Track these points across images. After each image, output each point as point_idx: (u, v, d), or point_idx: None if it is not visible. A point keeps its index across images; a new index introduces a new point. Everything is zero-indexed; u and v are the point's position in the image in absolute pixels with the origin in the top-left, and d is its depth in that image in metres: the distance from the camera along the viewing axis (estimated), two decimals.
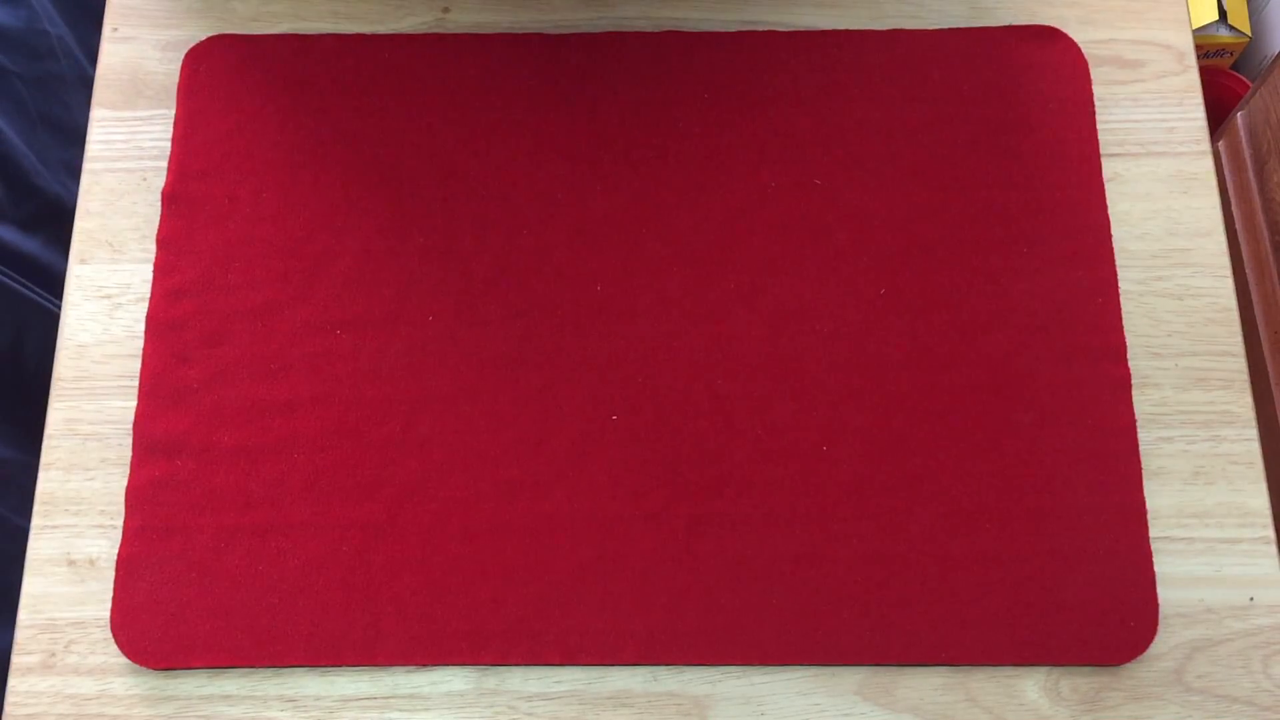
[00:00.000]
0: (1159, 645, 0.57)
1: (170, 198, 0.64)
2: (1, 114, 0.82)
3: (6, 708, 0.57)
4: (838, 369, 0.60)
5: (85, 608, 0.59)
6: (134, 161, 0.66)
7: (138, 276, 0.63)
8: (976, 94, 0.65)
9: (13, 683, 0.58)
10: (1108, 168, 0.64)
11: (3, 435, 0.79)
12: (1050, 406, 0.60)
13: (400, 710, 0.57)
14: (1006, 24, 0.67)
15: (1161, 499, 0.59)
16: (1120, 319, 0.61)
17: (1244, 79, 1.19)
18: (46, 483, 0.60)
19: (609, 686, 0.57)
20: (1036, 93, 0.65)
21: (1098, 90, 0.66)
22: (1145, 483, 0.59)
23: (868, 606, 0.57)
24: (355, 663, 0.57)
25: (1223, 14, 1.18)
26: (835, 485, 0.59)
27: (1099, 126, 0.65)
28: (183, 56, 0.67)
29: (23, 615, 0.59)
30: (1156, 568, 0.58)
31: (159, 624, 0.57)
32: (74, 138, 0.87)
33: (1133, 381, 0.60)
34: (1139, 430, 0.60)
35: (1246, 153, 0.98)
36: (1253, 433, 0.60)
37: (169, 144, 0.65)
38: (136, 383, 0.61)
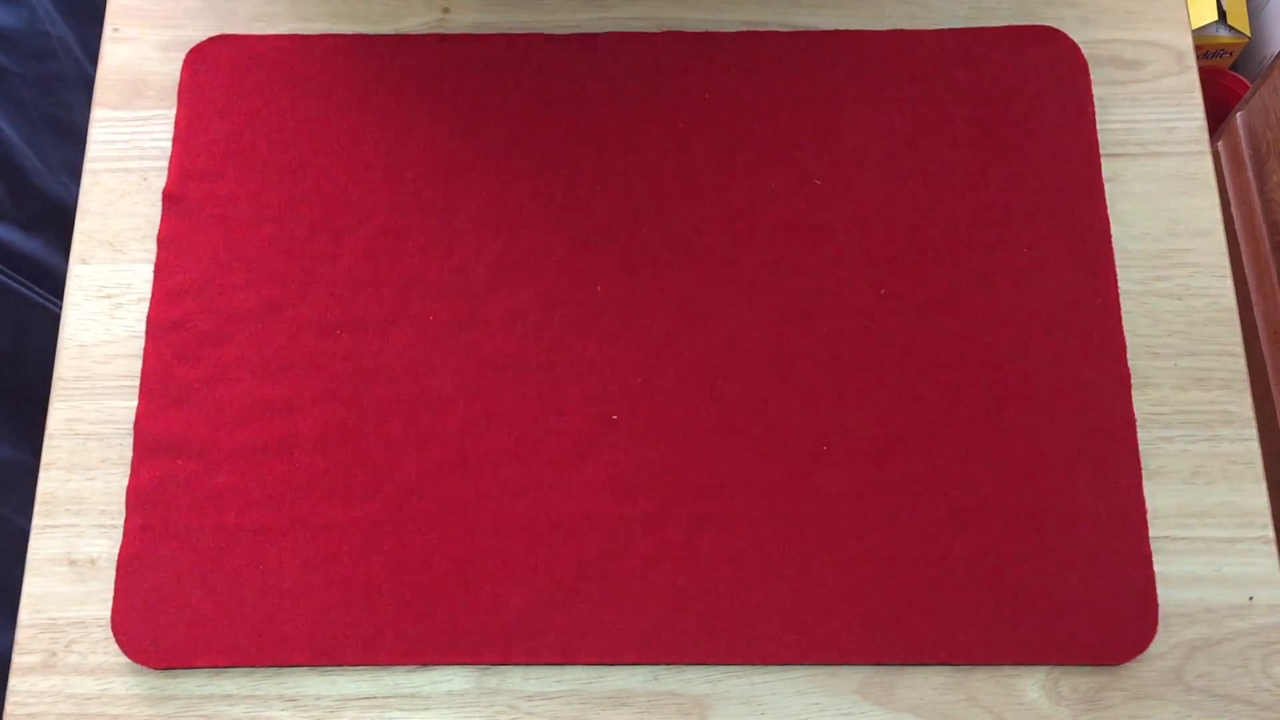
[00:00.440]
0: (1159, 645, 0.57)
1: (171, 198, 0.64)
2: (2, 114, 0.82)
3: (7, 707, 0.57)
4: (838, 369, 0.60)
5: (86, 607, 0.59)
6: (134, 161, 0.66)
7: (138, 276, 0.64)
8: (976, 94, 0.65)
9: (13, 682, 0.58)
10: (1107, 168, 0.65)
11: (3, 435, 0.79)
12: (1050, 406, 0.60)
13: (400, 710, 0.57)
14: (1006, 24, 0.67)
15: (1161, 499, 0.59)
16: (1120, 319, 0.61)
17: (1243, 79, 1.19)
18: (47, 482, 0.60)
19: (609, 686, 0.57)
20: (1036, 93, 0.65)
21: (1097, 90, 0.66)
22: (1145, 482, 0.59)
23: (868, 606, 0.57)
24: (355, 662, 0.57)
25: (1222, 14, 1.17)
26: (835, 485, 0.59)
27: (1099, 127, 0.65)
28: (183, 57, 0.67)
29: (23, 615, 0.59)
30: (1156, 567, 0.58)
31: (160, 624, 0.57)
32: (74, 138, 0.87)
33: (1132, 381, 0.60)
34: (1139, 430, 0.60)
35: (1246, 153, 0.98)
36: (1252, 433, 0.60)
37: (169, 144, 0.65)
38: (137, 383, 0.61)
